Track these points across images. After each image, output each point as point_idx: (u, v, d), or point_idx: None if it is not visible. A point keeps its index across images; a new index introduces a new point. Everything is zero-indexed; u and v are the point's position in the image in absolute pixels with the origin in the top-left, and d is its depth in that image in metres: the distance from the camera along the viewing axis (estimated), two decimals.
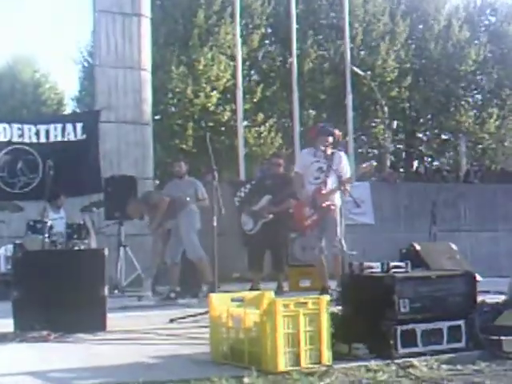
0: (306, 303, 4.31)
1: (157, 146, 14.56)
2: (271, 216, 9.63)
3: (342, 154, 8.33)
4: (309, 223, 8.03)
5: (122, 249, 10.44)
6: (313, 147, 8.32)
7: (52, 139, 12.50)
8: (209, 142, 7.78)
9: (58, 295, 5.81)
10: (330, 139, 8.06)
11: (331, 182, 7.94)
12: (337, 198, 7.89)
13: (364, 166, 8.58)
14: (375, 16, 25.04)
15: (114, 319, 6.14)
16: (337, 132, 8.27)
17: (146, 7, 13.78)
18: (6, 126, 12.45)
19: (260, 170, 18.10)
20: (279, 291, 9.16)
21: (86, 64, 26.33)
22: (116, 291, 9.64)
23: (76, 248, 10.01)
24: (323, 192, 7.96)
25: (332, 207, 7.93)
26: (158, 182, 11.13)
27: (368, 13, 24.86)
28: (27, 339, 5.46)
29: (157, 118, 19.69)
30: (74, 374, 4.17)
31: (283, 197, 9.74)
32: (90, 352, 5.09)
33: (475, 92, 27.87)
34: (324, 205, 7.92)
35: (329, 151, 7.98)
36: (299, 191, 8.38)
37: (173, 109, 23.09)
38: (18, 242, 10.23)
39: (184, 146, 21.99)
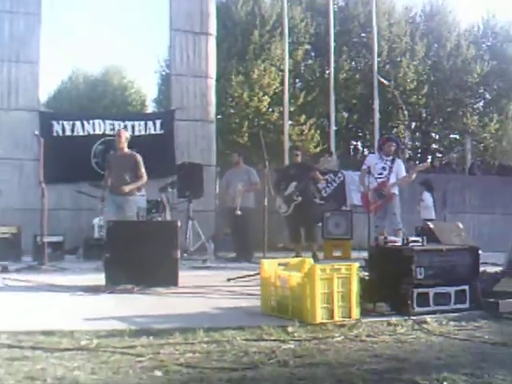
0: (339, 269, 4.31)
1: (218, 139, 14.60)
2: (300, 199, 9.61)
3: (400, 161, 9.23)
4: (374, 207, 8.54)
5: (190, 222, 10.48)
6: (377, 152, 9.34)
7: (137, 133, 12.58)
8: (261, 138, 7.75)
9: (141, 256, 5.88)
10: (394, 146, 8.96)
11: (392, 179, 8.75)
12: (396, 190, 8.86)
13: (421, 165, 9.57)
14: (398, 36, 24.85)
15: (183, 277, 6.20)
16: (399, 142, 9.07)
17: (212, 27, 13.77)
18: (101, 121, 12.60)
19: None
20: (315, 259, 9.12)
21: (163, 73, 26.52)
22: (185, 255, 9.69)
23: (154, 220, 10.06)
24: (388, 184, 8.70)
25: (394, 196, 8.78)
26: (219, 168, 11.13)
27: (392, 33, 24.72)
28: (116, 291, 5.57)
29: (218, 117, 19.72)
30: (153, 319, 4.22)
31: (306, 182, 9.77)
32: (165, 302, 5.15)
33: (479, 100, 27.61)
34: (388, 194, 8.69)
35: (391, 157, 8.89)
36: (362, 183, 8.95)
37: (231, 110, 23.13)
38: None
39: (240, 140, 22.02)
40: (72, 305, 5.01)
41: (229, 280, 6.43)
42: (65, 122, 12.45)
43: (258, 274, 6.02)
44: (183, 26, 13.31)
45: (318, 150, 22.82)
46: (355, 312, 4.26)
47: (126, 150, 8.71)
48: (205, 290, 5.74)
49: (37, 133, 9.10)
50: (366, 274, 4.86)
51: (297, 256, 8.51)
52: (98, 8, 54.37)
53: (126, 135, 8.81)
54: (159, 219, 10.13)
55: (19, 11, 12.27)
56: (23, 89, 12.20)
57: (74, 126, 12.46)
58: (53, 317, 4.31)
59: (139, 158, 8.54)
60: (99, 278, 5.97)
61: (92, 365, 3.04)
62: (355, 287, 4.30)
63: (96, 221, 10.65)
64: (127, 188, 8.31)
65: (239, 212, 9.52)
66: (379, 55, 20.74)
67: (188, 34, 13.32)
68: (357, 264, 4.44)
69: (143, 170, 8.50)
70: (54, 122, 12.40)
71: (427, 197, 12.43)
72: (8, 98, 12.09)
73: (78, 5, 52.63)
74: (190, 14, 13.34)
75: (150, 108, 30.31)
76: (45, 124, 12.06)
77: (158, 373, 2.95)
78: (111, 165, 8.73)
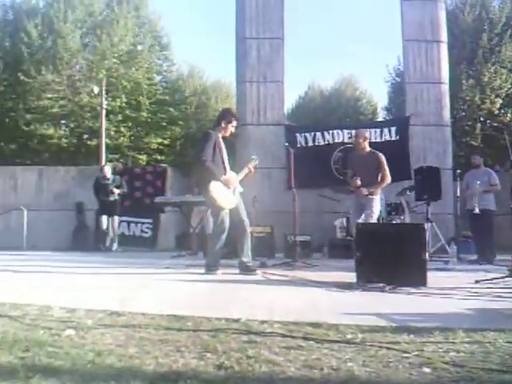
0: None
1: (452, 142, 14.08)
2: None
3: None
4: None
5: (428, 224, 10.17)
6: None
7: (373, 140, 12.53)
8: (507, 139, 7.21)
9: (389, 257, 5.79)
10: None
11: None
12: None
13: None
14: None
15: (429, 277, 5.95)
16: None
17: (443, 34, 13.36)
18: (339, 131, 12.84)
19: None
20: None
21: (393, 82, 26.23)
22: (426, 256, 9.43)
23: (393, 222, 9.91)
24: None
25: None
26: (459, 171, 10.60)
27: None
28: (367, 289, 5.52)
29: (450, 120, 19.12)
30: (410, 317, 4.08)
31: None
32: (416, 301, 4.98)
33: None
34: None
35: None
36: None
37: (462, 113, 22.35)
38: (349, 216, 10.39)
39: (473, 143, 21.22)
40: (329, 299, 5.07)
41: (476, 282, 6.06)
42: (307, 134, 12.91)
43: (507, 276, 5.63)
44: (415, 36, 13.11)
45: None
46: None
47: (368, 149, 8.17)
48: (453, 290, 5.46)
49: (287, 144, 9.50)
50: None
51: None
52: (330, 26, 55.71)
53: (364, 134, 8.22)
54: (398, 221, 9.99)
55: (265, 37, 13.07)
56: (270, 106, 12.92)
57: (315, 136, 12.86)
58: (315, 309, 4.41)
59: (382, 157, 7.93)
60: (347, 276, 6.02)
61: (362, 357, 3.04)
62: None
63: (337, 222, 10.86)
64: (366, 191, 7.81)
65: (477, 211, 9.01)
66: None
67: (420, 42, 13.09)
68: None
69: (387, 169, 7.92)
70: (298, 134, 12.92)
71: None
72: (258, 114, 12.89)
73: (312, 26, 54.42)
74: (421, 24, 13.09)
75: (381, 116, 30.21)
76: (290, 136, 12.62)
77: (426, 369, 2.85)
78: (353, 165, 8.34)
